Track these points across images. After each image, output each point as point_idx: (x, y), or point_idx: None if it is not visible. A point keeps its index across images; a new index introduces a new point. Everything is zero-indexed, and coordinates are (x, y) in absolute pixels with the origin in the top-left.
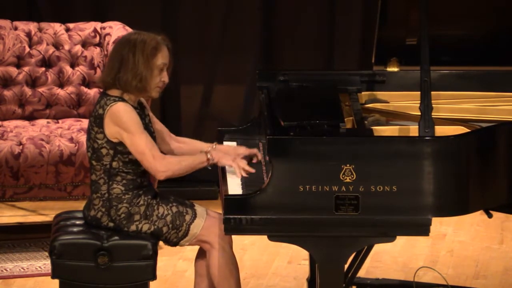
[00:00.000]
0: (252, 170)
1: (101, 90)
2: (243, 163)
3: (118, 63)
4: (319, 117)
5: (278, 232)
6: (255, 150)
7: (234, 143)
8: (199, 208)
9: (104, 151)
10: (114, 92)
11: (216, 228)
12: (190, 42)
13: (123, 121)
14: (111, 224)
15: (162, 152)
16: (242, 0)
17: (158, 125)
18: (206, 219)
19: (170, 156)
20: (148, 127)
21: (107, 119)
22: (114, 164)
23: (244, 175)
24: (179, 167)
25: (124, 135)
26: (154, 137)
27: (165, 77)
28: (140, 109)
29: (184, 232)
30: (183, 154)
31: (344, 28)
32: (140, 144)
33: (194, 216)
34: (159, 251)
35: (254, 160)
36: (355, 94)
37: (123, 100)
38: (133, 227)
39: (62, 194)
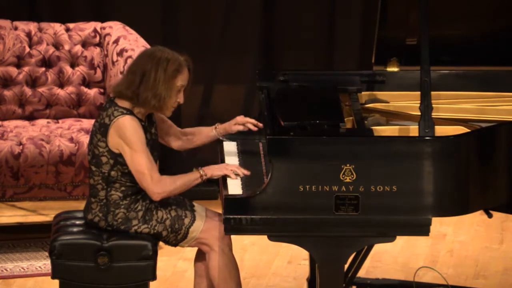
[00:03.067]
0: (246, 172)
1: (108, 95)
2: (235, 166)
3: (139, 78)
4: (319, 117)
5: (278, 232)
6: (251, 120)
7: (234, 143)
8: (199, 209)
9: (104, 159)
10: (124, 104)
11: (216, 231)
12: (190, 42)
13: (127, 136)
14: (109, 229)
15: (174, 147)
16: (242, 0)
17: (166, 123)
18: (205, 221)
19: (166, 177)
20: (152, 138)
21: (112, 130)
22: (113, 173)
23: (242, 174)
24: (174, 187)
25: (126, 149)
26: (158, 148)
27: (180, 98)
28: (147, 121)
29: (183, 235)
30: (195, 145)
31: (344, 29)
32: (140, 163)
33: (193, 219)
34: (159, 251)
35: (255, 129)
36: (355, 94)
37: (131, 113)
38: (131, 231)
39: (62, 194)
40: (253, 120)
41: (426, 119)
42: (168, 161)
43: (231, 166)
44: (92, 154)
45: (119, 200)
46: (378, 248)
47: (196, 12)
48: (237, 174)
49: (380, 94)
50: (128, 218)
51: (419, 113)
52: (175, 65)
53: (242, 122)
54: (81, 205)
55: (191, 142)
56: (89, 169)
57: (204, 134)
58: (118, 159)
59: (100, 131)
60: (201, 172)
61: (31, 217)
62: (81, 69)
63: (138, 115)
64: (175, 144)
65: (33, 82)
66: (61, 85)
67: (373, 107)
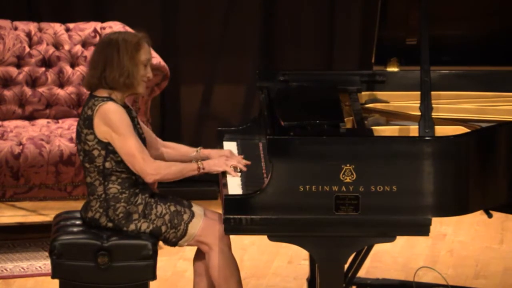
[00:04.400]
0: (248, 162)
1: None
2: (235, 161)
3: (102, 63)
4: (319, 117)
5: (278, 232)
6: (239, 158)
7: (234, 143)
8: (197, 208)
9: (95, 152)
10: (102, 93)
11: (214, 230)
12: (190, 42)
13: (113, 121)
14: (110, 224)
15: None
16: (242, 0)
17: (145, 130)
18: (204, 219)
19: (160, 161)
20: (136, 129)
21: (97, 119)
22: (107, 164)
23: (243, 168)
24: (168, 171)
25: (114, 136)
26: (143, 139)
27: (149, 73)
28: (128, 110)
29: (182, 232)
30: (171, 159)
31: (344, 28)
32: (130, 146)
33: (192, 216)
34: (159, 251)
35: (244, 169)
36: (355, 94)
37: (111, 99)
38: (132, 226)
39: (62, 194)
40: (243, 161)
41: (426, 119)
42: None
43: (231, 161)
44: (83, 153)
45: (118, 193)
46: (378, 248)
47: (196, 12)
48: (236, 170)
49: (380, 94)
50: (129, 212)
51: (419, 113)
52: (134, 41)
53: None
54: (81, 205)
55: (167, 156)
56: (83, 168)
57: (181, 152)
58: (109, 148)
59: (86, 125)
60: (199, 165)
61: (31, 217)
62: (81, 69)
63: (117, 102)
64: (152, 153)
65: (33, 82)
66: (61, 85)
67: (373, 107)
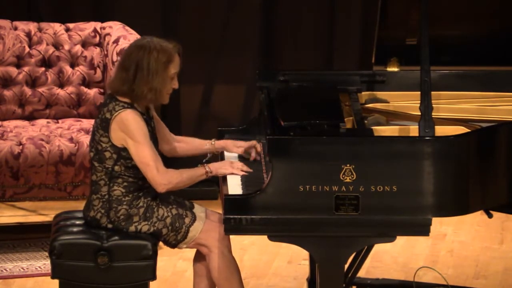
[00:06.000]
0: (250, 170)
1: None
2: (241, 165)
3: (132, 73)
4: (319, 117)
5: (278, 232)
6: (254, 142)
7: None
8: (199, 210)
9: (107, 154)
10: (124, 98)
11: (215, 232)
12: (190, 42)
13: (130, 129)
14: (110, 226)
15: (163, 151)
16: (242, 0)
17: (160, 125)
18: (205, 223)
19: (172, 170)
20: (153, 131)
21: (114, 125)
22: (117, 168)
23: (249, 170)
24: (180, 179)
25: (130, 143)
26: (156, 139)
27: (175, 84)
28: (147, 114)
29: (183, 235)
30: (184, 153)
31: (344, 28)
32: (145, 156)
33: (194, 219)
34: (159, 251)
35: (253, 154)
36: (355, 94)
37: (132, 107)
38: (132, 228)
39: (62, 194)
40: (257, 147)
41: (426, 119)
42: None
43: (236, 164)
44: (95, 150)
45: (122, 196)
46: (378, 248)
47: (196, 12)
48: (243, 170)
49: (380, 94)
50: (130, 214)
51: (419, 113)
52: (165, 56)
53: (248, 147)
54: (81, 205)
55: (181, 150)
56: (90, 166)
57: (195, 145)
58: (121, 153)
59: (102, 127)
60: (207, 169)
61: (31, 217)
62: (81, 69)
63: (138, 108)
64: (165, 147)
65: (33, 82)
66: (61, 85)
67: (373, 107)
